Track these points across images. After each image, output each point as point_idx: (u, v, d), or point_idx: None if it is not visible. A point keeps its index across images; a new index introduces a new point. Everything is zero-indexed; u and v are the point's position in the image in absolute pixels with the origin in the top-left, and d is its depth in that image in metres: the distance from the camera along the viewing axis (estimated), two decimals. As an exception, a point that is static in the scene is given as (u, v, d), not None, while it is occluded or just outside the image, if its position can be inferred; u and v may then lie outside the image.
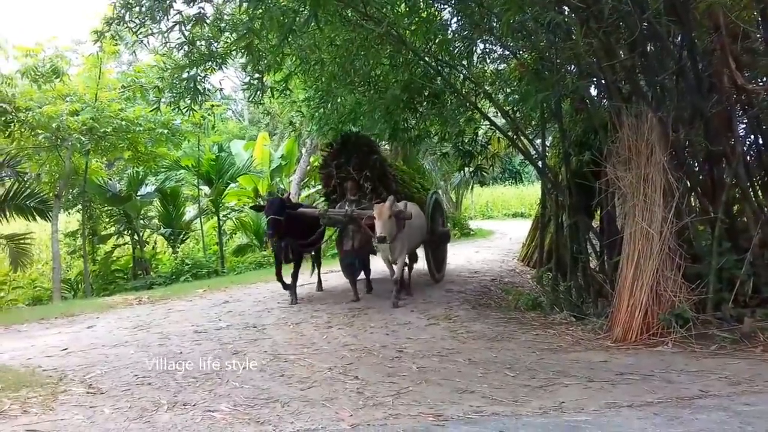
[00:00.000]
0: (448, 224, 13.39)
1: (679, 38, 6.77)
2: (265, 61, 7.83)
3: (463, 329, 6.63)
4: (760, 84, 6.68)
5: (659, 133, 5.99)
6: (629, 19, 6.29)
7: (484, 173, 9.83)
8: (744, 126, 6.99)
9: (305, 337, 6.47)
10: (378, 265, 9.50)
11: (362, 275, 9.13)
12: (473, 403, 4.05)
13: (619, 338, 5.78)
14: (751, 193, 6.49)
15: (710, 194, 6.53)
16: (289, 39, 6.97)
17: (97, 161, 15.65)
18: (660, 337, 5.65)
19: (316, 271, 9.87)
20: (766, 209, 6.49)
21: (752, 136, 7.06)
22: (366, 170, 8.90)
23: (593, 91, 8.03)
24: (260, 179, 18.45)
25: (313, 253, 9.78)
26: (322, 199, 10.52)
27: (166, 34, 6.66)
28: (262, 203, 9.35)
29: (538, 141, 8.97)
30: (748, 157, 6.87)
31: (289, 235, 8.52)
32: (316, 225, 8.83)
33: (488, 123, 8.98)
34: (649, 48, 6.81)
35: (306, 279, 9.65)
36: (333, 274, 10.95)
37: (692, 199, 6.62)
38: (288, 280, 8.84)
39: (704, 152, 6.67)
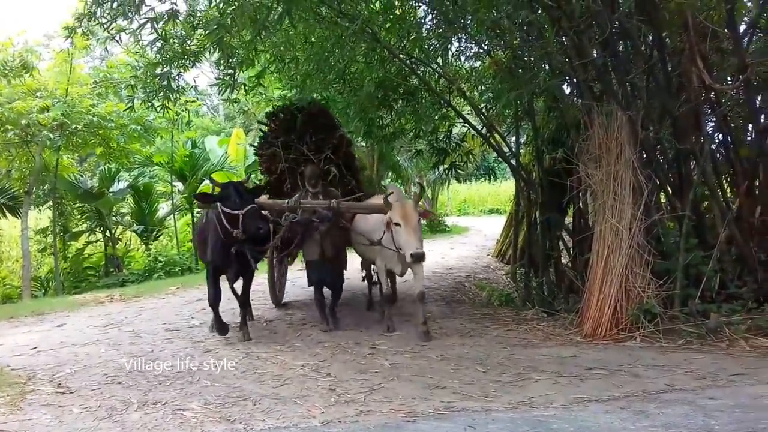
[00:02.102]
0: None
1: (649, 38, 6.87)
2: (238, 58, 7.79)
3: (436, 325, 6.65)
4: (728, 83, 6.79)
5: (629, 132, 6.07)
6: (600, 18, 6.37)
7: (458, 170, 9.89)
8: (712, 125, 7.11)
9: (278, 335, 6.47)
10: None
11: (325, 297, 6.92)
12: (444, 399, 4.09)
13: (589, 333, 5.86)
14: (719, 191, 6.61)
15: (678, 192, 6.65)
16: (263, 36, 6.94)
17: (68, 157, 15.40)
18: (629, 332, 5.75)
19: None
20: (732, 207, 6.62)
21: (720, 135, 7.18)
22: (327, 151, 7.16)
23: (566, 90, 8.11)
24: (235, 176, 18.30)
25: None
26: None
27: (138, 31, 6.58)
28: (211, 191, 6.18)
29: (512, 139, 9.04)
30: (716, 156, 7.01)
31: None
32: (275, 225, 6.61)
33: (462, 120, 9.00)
34: (619, 47, 6.91)
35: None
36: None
37: (661, 196, 6.73)
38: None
39: (673, 150, 6.79)
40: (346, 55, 8.36)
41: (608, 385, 4.35)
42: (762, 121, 6.50)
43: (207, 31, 6.61)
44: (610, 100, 6.46)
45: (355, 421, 3.71)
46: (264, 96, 11.92)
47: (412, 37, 8.33)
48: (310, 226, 6.51)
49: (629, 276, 5.85)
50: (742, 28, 6.65)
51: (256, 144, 8.07)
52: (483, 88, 9.04)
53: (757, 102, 6.61)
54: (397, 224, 5.83)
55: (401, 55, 8.25)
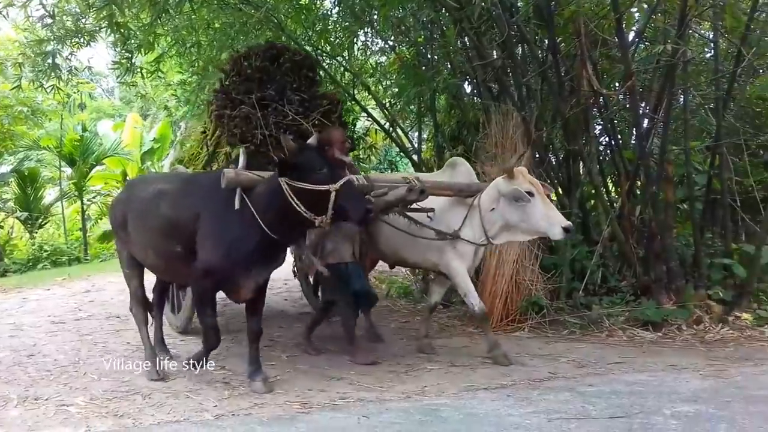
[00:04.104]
0: None
1: (545, 43, 7.18)
2: (136, 41, 7.50)
3: (336, 317, 6.68)
4: (615, 89, 7.21)
5: (523, 131, 6.32)
6: (499, 21, 6.59)
7: (361, 164, 9.94)
8: (599, 128, 7.53)
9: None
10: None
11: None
12: (340, 390, 4.12)
13: (482, 325, 6.07)
14: (603, 191, 7.01)
15: (567, 190, 6.99)
16: (162, 19, 6.72)
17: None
18: (518, 323, 6.03)
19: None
20: (615, 206, 7.04)
21: (606, 138, 7.63)
22: (316, 114, 5.37)
23: (467, 89, 8.34)
24: (129, 162, 17.61)
25: None
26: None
27: (27, 5, 6.21)
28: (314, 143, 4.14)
29: (415, 134, 9.21)
30: (602, 157, 7.44)
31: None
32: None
33: (366, 115, 9.07)
34: (517, 50, 7.18)
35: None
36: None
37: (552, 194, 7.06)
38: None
39: (563, 151, 7.13)
40: (251, 43, 8.23)
41: (497, 374, 4.53)
42: (644, 126, 6.93)
43: (96, 8, 6.30)
44: (506, 101, 6.71)
45: (249, 414, 3.68)
46: (163, 81, 11.50)
47: (318, 29, 8.31)
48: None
49: (519, 269, 6.12)
50: (631, 36, 7.07)
51: (212, 100, 5.71)
52: (387, 83, 9.14)
53: (640, 108, 7.03)
54: (529, 194, 4.42)
55: (307, 47, 8.20)
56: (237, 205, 3.95)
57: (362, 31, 8.73)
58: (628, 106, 7.29)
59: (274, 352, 5.30)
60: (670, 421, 3.37)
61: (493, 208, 4.65)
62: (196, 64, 8.89)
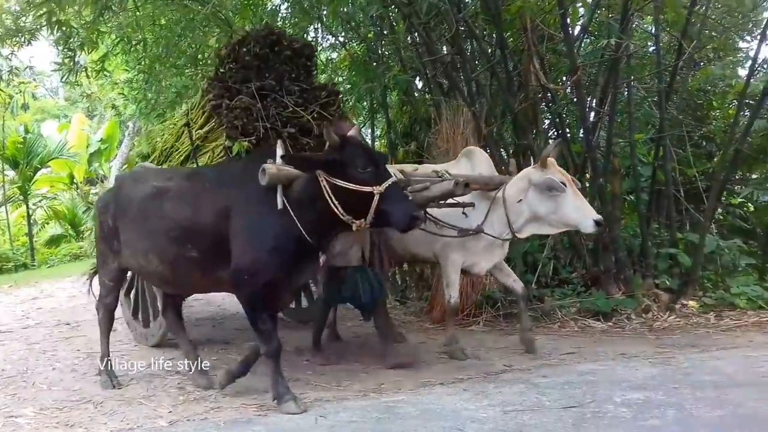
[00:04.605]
0: None
1: (493, 38, 7.25)
2: (79, 39, 7.29)
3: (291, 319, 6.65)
4: (562, 83, 7.34)
5: (473, 127, 6.38)
6: (447, 17, 6.64)
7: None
8: (548, 122, 7.66)
9: (121, 333, 6.13)
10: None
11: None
12: (297, 391, 4.06)
13: (438, 320, 6.14)
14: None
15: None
16: (105, 16, 6.55)
17: None
18: (473, 317, 6.11)
19: None
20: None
21: (555, 131, 7.76)
22: (315, 107, 4.92)
23: (418, 85, 8.38)
24: (76, 164, 17.15)
25: None
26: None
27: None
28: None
29: (368, 131, 9.20)
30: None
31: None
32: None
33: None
34: (466, 46, 7.24)
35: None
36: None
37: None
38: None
39: (513, 145, 7.23)
40: (198, 40, 8.11)
41: (453, 369, 4.57)
42: (591, 119, 7.08)
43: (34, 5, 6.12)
44: (457, 97, 6.77)
45: (204, 419, 3.63)
46: (109, 79, 11.24)
47: (268, 24, 8.22)
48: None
49: (474, 264, 6.17)
50: (578, 30, 7.20)
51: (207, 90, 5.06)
52: (338, 79, 9.11)
53: (587, 102, 7.17)
54: (563, 184, 4.29)
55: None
56: (280, 205, 3.56)
57: (312, 27, 8.68)
58: (575, 100, 7.43)
59: (230, 354, 5.23)
60: (620, 409, 3.45)
61: (521, 200, 4.47)
62: (143, 62, 8.69)
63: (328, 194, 3.42)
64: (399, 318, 6.51)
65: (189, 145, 5.05)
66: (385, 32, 8.03)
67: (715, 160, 7.70)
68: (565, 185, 4.28)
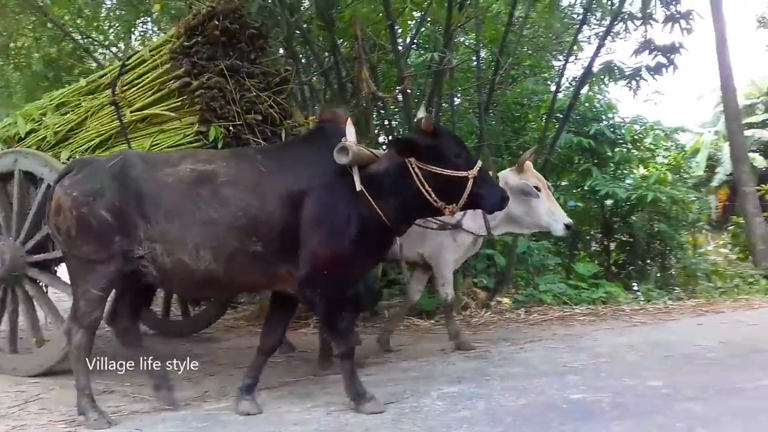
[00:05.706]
0: None
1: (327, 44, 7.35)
2: None
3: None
4: (392, 92, 7.61)
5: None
6: (281, 20, 6.63)
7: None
8: (377, 129, 7.91)
9: None
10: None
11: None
12: (112, 404, 3.88)
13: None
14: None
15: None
16: None
17: None
18: (304, 319, 6.13)
19: None
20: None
21: (385, 138, 8.02)
22: (269, 89, 4.67)
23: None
24: None
25: None
26: None
27: None
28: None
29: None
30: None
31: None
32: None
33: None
34: (300, 50, 7.27)
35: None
36: None
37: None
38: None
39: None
40: (10, 28, 7.52)
41: (283, 372, 4.58)
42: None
43: None
44: (290, 101, 6.76)
45: (6, 440, 3.34)
46: None
47: (89, 16, 7.77)
48: None
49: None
50: (408, 39, 7.49)
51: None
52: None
53: (414, 111, 7.49)
54: (537, 189, 4.53)
55: (75, 35, 7.61)
56: (358, 187, 3.34)
57: (140, 21, 8.30)
58: (402, 107, 7.74)
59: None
60: (436, 403, 3.65)
61: None
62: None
63: (420, 180, 3.37)
64: (228, 324, 6.39)
65: (111, 128, 4.36)
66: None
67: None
68: (539, 190, 4.52)
